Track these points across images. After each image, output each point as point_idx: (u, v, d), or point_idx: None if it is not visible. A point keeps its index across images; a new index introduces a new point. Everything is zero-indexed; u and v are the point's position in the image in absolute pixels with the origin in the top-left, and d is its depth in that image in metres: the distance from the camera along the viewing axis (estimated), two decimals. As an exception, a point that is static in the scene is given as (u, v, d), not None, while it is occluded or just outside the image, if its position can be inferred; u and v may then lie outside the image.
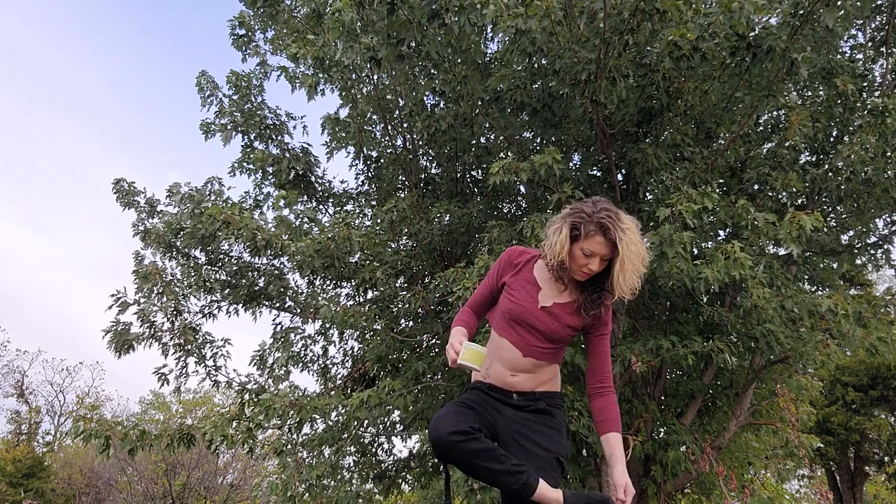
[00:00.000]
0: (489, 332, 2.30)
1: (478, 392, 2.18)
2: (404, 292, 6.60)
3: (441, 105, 6.71)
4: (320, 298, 6.99)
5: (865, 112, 5.78)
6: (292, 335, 7.40)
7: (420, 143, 7.37)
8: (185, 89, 69.88)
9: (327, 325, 7.30)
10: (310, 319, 7.00)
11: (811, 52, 5.41)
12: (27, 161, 42.41)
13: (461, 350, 1.97)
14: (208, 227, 5.82)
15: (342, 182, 23.75)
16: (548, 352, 2.15)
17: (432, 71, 6.32)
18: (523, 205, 7.62)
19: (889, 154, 5.54)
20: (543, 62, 5.60)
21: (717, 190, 5.93)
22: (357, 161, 7.77)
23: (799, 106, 6.49)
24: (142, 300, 6.36)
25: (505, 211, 7.73)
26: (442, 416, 2.00)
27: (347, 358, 7.92)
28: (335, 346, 7.76)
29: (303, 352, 7.53)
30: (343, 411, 5.83)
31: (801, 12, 4.77)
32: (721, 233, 6.51)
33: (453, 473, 4.57)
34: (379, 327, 6.72)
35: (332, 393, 6.67)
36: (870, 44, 6.96)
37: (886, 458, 15.78)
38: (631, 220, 1.98)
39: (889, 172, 5.60)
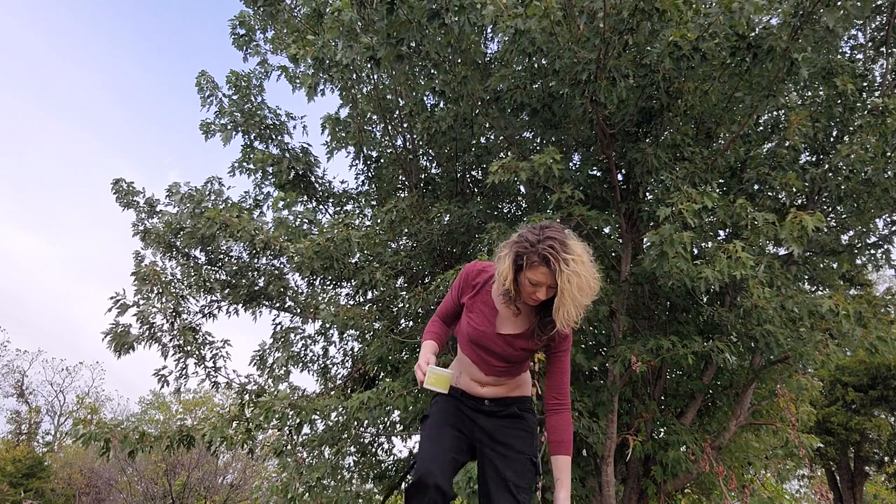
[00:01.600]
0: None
1: (452, 402, 2.24)
2: (404, 293, 6.59)
3: (441, 105, 6.71)
4: (320, 299, 6.98)
5: (865, 112, 5.77)
6: (292, 335, 7.39)
7: (420, 143, 7.37)
8: (184, 90, 69.85)
9: (327, 325, 7.29)
10: (310, 319, 7.00)
11: (811, 52, 5.41)
12: (28, 164, 42.41)
13: (427, 373, 2.03)
14: (207, 229, 5.82)
15: (342, 182, 23.78)
16: (508, 369, 2.20)
17: (432, 71, 6.31)
18: (523, 205, 7.61)
19: (889, 154, 5.54)
20: (543, 62, 5.59)
21: (717, 190, 5.93)
22: (357, 161, 7.77)
23: (799, 106, 6.49)
24: (140, 302, 6.36)
25: (505, 211, 7.72)
26: (428, 458, 2.07)
27: (347, 358, 7.92)
28: (335, 346, 7.76)
29: (303, 352, 7.52)
30: (343, 412, 5.83)
31: (802, 13, 4.77)
32: (721, 233, 6.51)
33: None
34: (379, 327, 6.71)
35: (332, 393, 6.67)
36: (870, 44, 6.95)
37: (886, 458, 15.78)
38: (580, 248, 1.93)
39: (889, 172, 5.60)
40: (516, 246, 1.96)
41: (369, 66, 6.04)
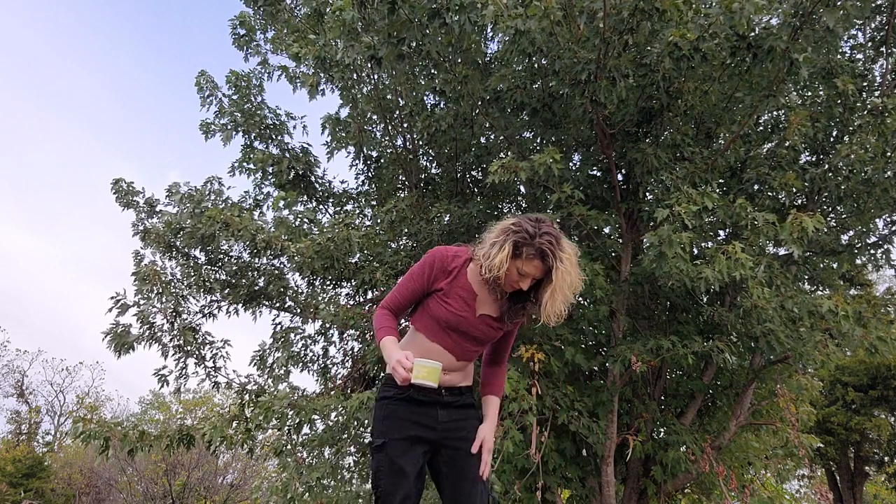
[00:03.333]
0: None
1: (404, 408, 2.13)
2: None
3: (441, 105, 6.71)
4: (320, 299, 6.97)
5: (865, 112, 5.77)
6: (292, 335, 7.39)
7: (420, 143, 7.37)
8: (184, 90, 69.90)
9: (327, 325, 7.29)
10: (310, 319, 7.00)
11: (811, 52, 5.41)
12: (28, 163, 42.44)
13: (414, 368, 1.93)
14: (208, 228, 5.82)
15: (342, 182, 23.72)
16: (479, 352, 2.27)
17: (432, 71, 6.31)
18: (523, 205, 7.61)
19: (889, 154, 5.53)
20: (543, 62, 5.59)
21: (717, 190, 5.93)
22: (357, 161, 7.77)
23: (799, 106, 6.48)
24: (141, 302, 6.36)
25: (505, 211, 7.72)
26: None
27: (347, 358, 7.91)
28: (335, 346, 7.74)
29: (303, 352, 7.52)
30: (343, 412, 5.83)
31: (802, 13, 4.77)
32: (721, 233, 6.50)
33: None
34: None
35: (332, 393, 6.66)
36: (870, 44, 6.95)
37: (886, 458, 15.78)
38: (571, 247, 1.99)
39: (889, 172, 5.59)
40: (515, 235, 1.97)
41: (370, 65, 6.04)
